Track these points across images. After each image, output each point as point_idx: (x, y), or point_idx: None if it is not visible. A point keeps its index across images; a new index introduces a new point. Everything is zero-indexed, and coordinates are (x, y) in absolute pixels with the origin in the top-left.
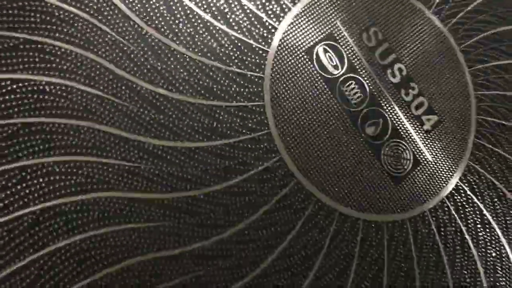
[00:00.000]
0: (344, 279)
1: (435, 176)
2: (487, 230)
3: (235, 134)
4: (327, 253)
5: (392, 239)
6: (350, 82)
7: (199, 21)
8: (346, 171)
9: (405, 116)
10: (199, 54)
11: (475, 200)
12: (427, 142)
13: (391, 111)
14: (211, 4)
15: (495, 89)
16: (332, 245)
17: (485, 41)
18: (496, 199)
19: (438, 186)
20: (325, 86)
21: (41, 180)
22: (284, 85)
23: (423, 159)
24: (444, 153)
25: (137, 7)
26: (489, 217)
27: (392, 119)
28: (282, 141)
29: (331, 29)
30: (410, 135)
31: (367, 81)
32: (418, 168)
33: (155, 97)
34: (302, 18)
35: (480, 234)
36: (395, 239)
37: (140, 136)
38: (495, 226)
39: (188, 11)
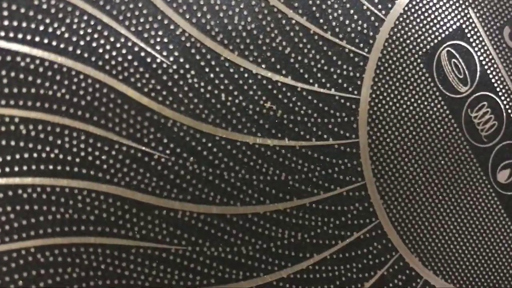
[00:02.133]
0: None
1: None
2: None
3: (312, 190)
4: None
5: None
6: (482, 104)
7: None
8: (467, 238)
9: None
10: (263, 66)
11: None
12: None
13: None
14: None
15: None
16: None
17: None
18: None
19: None
20: (447, 111)
21: (25, 269)
22: (389, 111)
23: None
24: None
25: None
26: None
27: None
28: (382, 197)
29: (461, 22)
30: None
31: (506, 103)
32: None
33: (196, 136)
34: (418, 7)
35: None
36: None
37: (173, 200)
38: None
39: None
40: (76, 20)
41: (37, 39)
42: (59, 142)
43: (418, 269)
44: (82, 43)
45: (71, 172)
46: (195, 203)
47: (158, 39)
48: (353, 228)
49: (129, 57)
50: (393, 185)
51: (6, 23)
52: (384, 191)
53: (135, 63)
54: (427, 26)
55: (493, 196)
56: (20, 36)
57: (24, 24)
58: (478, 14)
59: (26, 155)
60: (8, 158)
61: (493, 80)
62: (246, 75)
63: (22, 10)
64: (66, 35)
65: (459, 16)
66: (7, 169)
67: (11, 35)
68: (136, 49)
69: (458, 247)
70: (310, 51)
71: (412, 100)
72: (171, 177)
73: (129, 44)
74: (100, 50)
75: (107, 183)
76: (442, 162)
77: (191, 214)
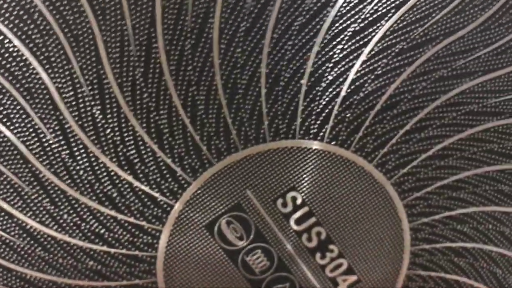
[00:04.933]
0: None
1: None
2: None
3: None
4: None
5: None
6: (255, 251)
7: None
8: None
9: (317, 279)
10: (83, 238)
11: None
12: None
13: (301, 275)
14: (96, 189)
15: (438, 242)
16: None
17: (432, 195)
18: None
19: None
20: (227, 257)
21: None
22: (181, 263)
23: None
24: None
25: None
26: None
27: (301, 283)
28: None
29: (238, 199)
30: None
31: (276, 248)
32: None
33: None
34: (204, 192)
35: None
36: None
37: (23, 268)
38: None
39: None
40: None
41: None
42: None
43: None
44: None
45: None
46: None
47: None
48: None
49: None
50: None
51: None
52: None
53: None
54: (210, 205)
55: None
56: None
57: None
58: (254, 192)
59: None
60: None
61: (266, 235)
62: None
63: None
64: None
65: (237, 195)
66: None
67: None
68: None
69: None
70: (118, 228)
71: (199, 254)
72: None
73: None
74: None
75: None
76: None
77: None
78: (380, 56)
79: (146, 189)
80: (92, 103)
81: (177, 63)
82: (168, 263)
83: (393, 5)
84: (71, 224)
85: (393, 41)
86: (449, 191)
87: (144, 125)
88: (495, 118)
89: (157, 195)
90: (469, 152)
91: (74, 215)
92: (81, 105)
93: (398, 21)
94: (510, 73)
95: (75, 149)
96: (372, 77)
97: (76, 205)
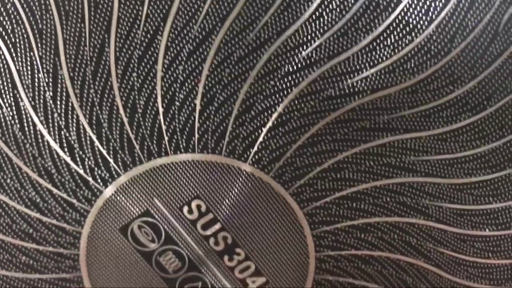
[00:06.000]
0: None
1: None
2: None
3: None
4: None
5: None
6: (167, 253)
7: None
8: None
9: (227, 280)
10: (15, 237)
11: None
12: None
13: (212, 276)
14: (22, 195)
15: (343, 249)
16: None
17: (332, 205)
18: None
19: None
20: (142, 258)
21: None
22: (101, 262)
23: None
24: None
25: None
26: None
27: (213, 282)
28: None
29: (147, 206)
30: None
31: (186, 251)
32: None
33: None
34: (115, 199)
35: None
36: None
37: None
38: None
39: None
40: None
41: None
42: None
43: None
44: None
45: None
46: None
47: None
48: None
49: None
50: None
51: None
52: None
53: None
54: (122, 211)
55: None
56: None
57: None
58: (161, 200)
59: None
60: None
61: (175, 238)
62: None
63: None
64: None
65: (145, 203)
66: None
67: None
68: None
69: None
70: (42, 227)
71: (116, 253)
72: None
73: None
74: None
75: None
76: None
77: None
78: (267, 78)
79: (64, 195)
80: (12, 122)
81: (81, 87)
82: (90, 262)
83: (274, 31)
84: (4, 224)
85: (278, 64)
86: (348, 202)
87: (57, 140)
88: (390, 134)
89: (74, 201)
90: (365, 165)
91: (6, 216)
92: (3, 123)
93: (281, 46)
94: (400, 91)
95: (1, 160)
96: (261, 97)
97: (7, 209)
